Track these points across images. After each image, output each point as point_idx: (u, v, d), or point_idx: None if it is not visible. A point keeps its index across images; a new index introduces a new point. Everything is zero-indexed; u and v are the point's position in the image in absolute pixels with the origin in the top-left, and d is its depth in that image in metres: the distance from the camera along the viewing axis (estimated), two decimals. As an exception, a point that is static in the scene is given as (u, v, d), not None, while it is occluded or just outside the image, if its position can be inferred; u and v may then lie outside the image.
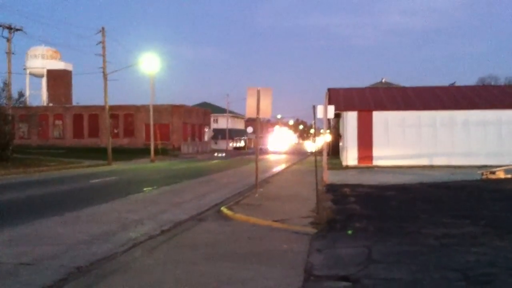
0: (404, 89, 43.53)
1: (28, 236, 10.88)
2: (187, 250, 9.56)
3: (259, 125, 19.46)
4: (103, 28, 43.68)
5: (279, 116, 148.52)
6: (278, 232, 11.46)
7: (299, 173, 29.42)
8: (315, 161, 14.83)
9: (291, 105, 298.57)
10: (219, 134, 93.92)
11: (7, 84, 38.54)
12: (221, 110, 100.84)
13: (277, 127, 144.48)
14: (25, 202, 17.07)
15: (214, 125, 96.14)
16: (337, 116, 36.90)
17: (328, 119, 24.58)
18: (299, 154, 70.75)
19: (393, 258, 8.64)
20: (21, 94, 42.42)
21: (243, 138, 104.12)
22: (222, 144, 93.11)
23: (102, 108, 51.04)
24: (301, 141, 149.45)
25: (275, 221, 12.41)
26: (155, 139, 52.00)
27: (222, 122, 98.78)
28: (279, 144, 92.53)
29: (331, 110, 22.22)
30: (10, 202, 16.99)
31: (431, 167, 32.21)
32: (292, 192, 19.12)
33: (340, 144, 43.42)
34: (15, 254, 9.03)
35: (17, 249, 9.48)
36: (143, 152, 53.22)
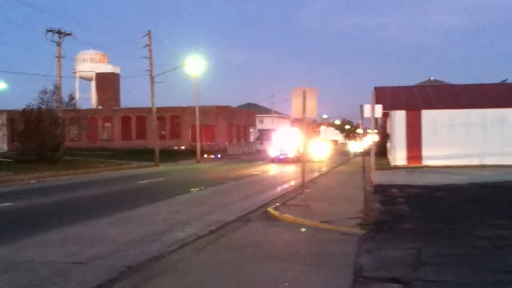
0: (452, 87, 42.53)
1: (79, 236, 11.13)
2: (234, 251, 9.59)
3: (305, 125, 19.34)
4: (149, 32, 44.38)
5: (325, 116, 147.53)
6: (325, 233, 11.36)
7: (346, 174, 29.12)
8: (363, 161, 14.65)
9: (337, 105, 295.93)
10: (265, 134, 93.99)
11: (57, 88, 39.63)
12: (266, 111, 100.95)
13: (323, 127, 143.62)
14: (75, 203, 17.48)
15: (259, 126, 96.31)
16: (385, 115, 36.39)
17: (375, 119, 24.27)
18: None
19: (443, 260, 8.46)
20: (71, 97, 43.60)
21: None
22: (267, 145, 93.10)
23: (149, 110, 51.83)
24: (346, 141, 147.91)
25: (322, 222, 12.32)
26: (201, 140, 52.47)
27: (268, 123, 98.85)
28: (287, 146, 49.12)
29: (379, 109, 21.92)
30: (61, 203, 17.42)
31: (482, 166, 31.36)
32: (339, 192, 18.95)
33: (388, 144, 42.83)
34: (68, 254, 9.24)
35: (69, 249, 9.70)
36: (189, 153, 53.81)
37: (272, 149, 45.15)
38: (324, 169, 36.07)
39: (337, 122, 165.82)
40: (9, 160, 37.85)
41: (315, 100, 17.79)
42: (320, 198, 17.13)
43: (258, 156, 57.77)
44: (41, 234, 11.19)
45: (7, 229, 12.11)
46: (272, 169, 35.76)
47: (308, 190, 18.97)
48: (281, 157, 42.94)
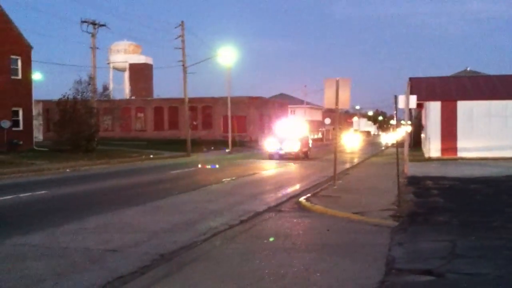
0: (489, 77, 41.62)
1: (113, 224, 11.28)
2: (266, 241, 9.59)
3: (338, 116, 19.23)
4: (182, 22, 44.60)
5: (357, 107, 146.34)
6: (357, 224, 11.29)
7: (379, 166, 28.87)
8: (396, 153, 14.47)
9: (371, 95, 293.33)
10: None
11: (92, 78, 40.16)
12: (298, 102, 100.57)
13: (355, 118, 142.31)
14: (109, 192, 17.71)
15: (291, 117, 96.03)
16: (419, 106, 35.86)
17: (410, 110, 23.94)
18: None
19: (477, 253, 8.31)
20: (105, 88, 44.13)
21: (320, 129, 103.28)
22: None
23: (181, 100, 52.17)
24: (379, 132, 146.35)
25: (354, 213, 12.24)
26: (232, 131, 52.62)
27: (299, 114, 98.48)
28: (289, 139, 36.48)
29: (413, 100, 21.62)
30: (95, 192, 17.68)
31: (519, 159, 30.68)
32: (372, 184, 18.79)
33: (422, 135, 42.21)
34: (102, 241, 9.38)
35: (103, 236, 9.85)
36: (220, 143, 54.00)
37: (270, 142, 36.55)
38: (356, 160, 35.83)
39: (370, 113, 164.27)
40: (45, 149, 38.58)
41: (348, 90, 17.71)
42: (352, 189, 17.01)
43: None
44: (75, 222, 11.38)
45: (43, 216, 12.34)
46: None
47: (340, 181, 18.87)
48: (281, 152, 35.19)
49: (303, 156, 36.07)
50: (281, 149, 35.05)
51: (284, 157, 34.75)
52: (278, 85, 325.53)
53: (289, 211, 13.22)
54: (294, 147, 34.85)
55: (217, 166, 28.74)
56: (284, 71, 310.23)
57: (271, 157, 35.29)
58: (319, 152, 45.29)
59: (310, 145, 39.82)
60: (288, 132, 36.47)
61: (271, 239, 9.65)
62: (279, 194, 16.63)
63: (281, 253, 8.58)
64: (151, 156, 38.52)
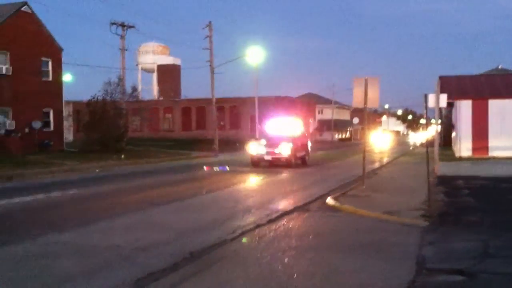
0: (522, 75, 40.83)
1: (143, 223, 11.39)
2: (294, 240, 9.58)
3: (366, 115, 19.07)
4: (210, 23, 44.78)
5: (386, 106, 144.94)
6: (387, 224, 11.18)
7: (408, 165, 28.56)
8: (426, 152, 14.28)
9: (400, 94, 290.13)
10: (324, 125, 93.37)
11: (121, 79, 40.63)
12: (326, 101, 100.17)
13: (384, 117, 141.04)
14: (137, 190, 17.85)
15: (319, 116, 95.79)
16: (449, 105, 35.36)
17: (440, 109, 23.63)
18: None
19: (510, 253, 8.17)
20: (134, 89, 44.58)
21: (348, 129, 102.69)
22: (327, 136, 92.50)
23: (209, 101, 52.39)
24: (409, 131, 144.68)
25: (384, 213, 12.12)
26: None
27: (327, 113, 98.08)
28: (279, 141, 28.51)
29: (443, 99, 21.34)
30: (124, 190, 17.84)
31: (553, 158, 30.01)
32: (401, 183, 18.60)
33: (453, 134, 41.63)
34: (132, 240, 9.46)
35: (133, 235, 9.93)
36: (248, 143, 53.97)
37: (254, 145, 29.07)
38: (385, 160, 35.53)
39: (399, 112, 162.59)
40: (75, 149, 39.15)
41: (377, 89, 17.57)
42: (381, 189, 16.86)
43: (317, 147, 57.26)
44: (106, 220, 11.51)
45: (74, 215, 12.52)
46: (335, 159, 35.31)
47: (368, 180, 18.72)
48: (267, 157, 27.81)
49: (297, 162, 28.96)
50: (267, 153, 27.84)
51: (272, 163, 27.78)
52: (306, 84, 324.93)
53: (318, 210, 13.15)
54: (285, 150, 27.52)
55: (227, 168, 27.01)
56: (312, 70, 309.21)
57: (255, 163, 28.30)
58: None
59: (309, 148, 32.15)
60: (278, 132, 29.69)
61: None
62: (308, 193, 16.49)
63: (309, 252, 8.55)
64: (179, 156, 38.77)
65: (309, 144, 32.23)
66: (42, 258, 8.19)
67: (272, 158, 27.71)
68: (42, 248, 8.91)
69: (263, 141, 28.96)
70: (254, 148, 28.74)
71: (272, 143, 28.12)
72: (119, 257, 8.25)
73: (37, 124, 37.27)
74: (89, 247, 8.94)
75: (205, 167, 24.50)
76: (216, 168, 23.97)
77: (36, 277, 7.14)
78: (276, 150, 27.62)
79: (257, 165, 28.16)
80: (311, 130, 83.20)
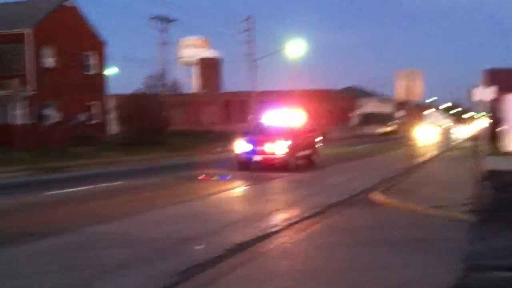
0: None
1: (188, 214, 11.53)
2: (338, 234, 9.49)
3: (409, 108, 18.72)
4: (250, 16, 44.85)
5: (431, 100, 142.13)
6: (433, 219, 10.94)
7: (454, 159, 27.90)
8: (474, 146, 13.90)
9: (444, 88, 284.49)
10: (366, 118, 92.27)
11: (162, 73, 41.11)
12: (368, 94, 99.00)
13: (428, 111, 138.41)
14: (182, 182, 17.92)
15: (360, 110, 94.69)
16: (496, 98, 34.43)
17: (486, 102, 23.03)
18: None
19: None
20: (175, 82, 45.09)
21: (391, 122, 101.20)
22: (368, 130, 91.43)
23: (249, 94, 52.45)
24: (454, 125, 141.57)
25: (430, 207, 11.84)
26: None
27: (369, 107, 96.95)
28: (272, 138, 22.00)
29: (490, 92, 20.78)
30: (167, 182, 17.94)
31: None
32: (447, 178, 18.16)
33: (500, 128, 40.55)
34: (178, 230, 9.58)
35: (179, 225, 10.06)
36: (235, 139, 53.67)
37: (242, 143, 22.41)
38: (430, 154, 34.83)
39: (444, 105, 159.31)
40: (118, 142, 39.74)
41: (420, 82, 17.35)
42: (427, 183, 16.49)
43: (359, 141, 56.75)
44: (152, 211, 11.67)
45: (119, 205, 12.71)
46: (378, 153, 34.82)
47: (414, 175, 18.38)
48: (256, 158, 21.77)
49: (299, 164, 22.53)
50: (257, 152, 21.72)
51: (265, 165, 21.78)
52: (347, 77, 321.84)
53: (362, 204, 12.96)
54: (279, 148, 21.39)
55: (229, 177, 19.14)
56: (354, 63, 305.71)
57: (242, 166, 21.89)
58: (390, 146, 44.07)
59: (317, 145, 25.32)
60: (275, 126, 23.26)
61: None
62: (352, 187, 16.22)
63: (353, 246, 8.46)
64: (219, 148, 38.90)
65: (320, 140, 25.72)
66: (90, 248, 8.34)
67: (263, 158, 21.68)
68: (90, 238, 9.08)
69: (253, 137, 22.51)
70: (241, 146, 22.20)
71: (263, 139, 21.88)
72: (166, 247, 8.32)
73: (82, 117, 38.03)
74: (136, 237, 9.07)
75: (201, 176, 18.68)
76: (215, 177, 18.47)
77: (84, 266, 7.23)
78: (268, 149, 21.47)
79: (246, 167, 21.65)
80: (352, 123, 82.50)
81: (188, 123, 67.94)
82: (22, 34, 35.37)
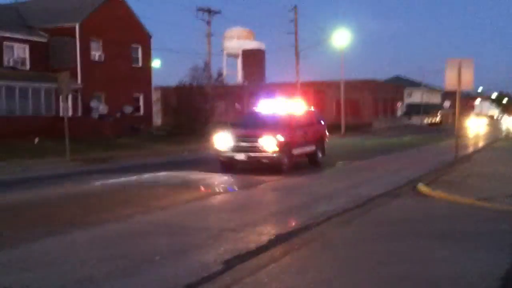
0: None
1: (233, 203, 11.73)
2: (382, 226, 9.34)
3: (459, 98, 18.29)
4: (295, 7, 44.52)
5: (480, 89, 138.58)
6: (481, 210, 10.68)
7: (504, 150, 27.10)
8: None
9: (494, 77, 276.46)
10: (413, 109, 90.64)
11: (207, 65, 41.30)
12: (415, 84, 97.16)
13: (477, 101, 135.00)
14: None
15: (407, 100, 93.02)
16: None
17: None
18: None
19: None
20: (219, 74, 45.20)
21: (438, 113, 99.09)
22: (415, 120, 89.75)
23: (293, 85, 52.23)
24: (504, 115, 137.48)
25: (478, 199, 11.55)
26: (345, 115, 51.95)
27: (416, 97, 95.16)
28: (260, 132, 17.45)
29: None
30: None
31: None
32: (496, 169, 17.65)
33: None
34: (221, 220, 9.70)
35: (222, 215, 10.22)
36: (333, 127, 53.44)
37: (223, 138, 18.11)
38: (479, 145, 34.01)
39: (493, 95, 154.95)
40: (163, 133, 40.29)
41: (471, 71, 16.97)
42: (475, 174, 16.09)
43: (406, 132, 55.80)
44: (195, 202, 11.74)
45: (163, 195, 12.85)
46: (424, 144, 34.19)
47: (461, 166, 17.98)
48: (239, 156, 17.49)
49: (296, 163, 18.70)
50: (240, 149, 17.42)
51: (251, 165, 17.84)
52: (393, 67, 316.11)
53: (407, 196, 12.75)
54: (268, 144, 17.03)
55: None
56: (400, 53, 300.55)
57: (225, 166, 17.91)
58: (436, 136, 43.17)
59: (323, 141, 20.99)
60: (267, 117, 19.24)
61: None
62: (396, 178, 16.00)
63: (397, 239, 8.33)
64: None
65: (326, 134, 21.67)
66: (136, 236, 8.48)
67: (248, 157, 17.30)
68: (135, 228, 9.22)
69: (238, 131, 18.57)
70: (222, 141, 17.83)
71: (249, 133, 17.77)
72: (209, 237, 8.38)
73: (128, 109, 38.69)
74: (179, 227, 9.16)
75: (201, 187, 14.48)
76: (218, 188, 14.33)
77: (130, 254, 7.36)
78: (255, 145, 17.16)
79: (229, 168, 17.73)
80: (398, 114, 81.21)
81: (232, 114, 68.15)
82: (72, 28, 36.18)
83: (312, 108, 22.23)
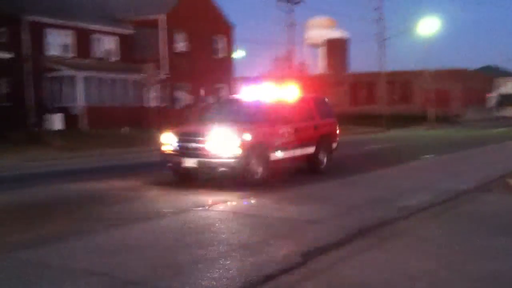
0: None
1: (313, 196, 11.45)
2: (469, 221, 8.90)
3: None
4: (380, -6, 43.35)
5: None
6: None
7: None
8: None
9: None
10: (505, 100, 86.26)
11: (290, 55, 41.14)
12: (507, 74, 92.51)
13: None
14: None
15: (499, 90, 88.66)
16: None
17: None
18: None
19: None
20: (301, 64, 44.96)
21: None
22: (508, 111, 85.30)
23: (378, 74, 51.08)
24: None
25: None
26: (433, 106, 50.29)
27: (509, 87, 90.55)
28: (221, 127, 12.38)
29: None
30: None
31: None
32: None
33: None
34: (302, 212, 9.54)
35: (303, 207, 9.99)
36: (420, 119, 51.79)
37: (169, 137, 12.71)
38: None
39: None
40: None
41: None
42: None
43: (497, 124, 53.21)
44: (274, 192, 11.59)
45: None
46: None
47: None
48: (188, 162, 12.15)
49: (297, 166, 15.06)
50: (189, 153, 12.23)
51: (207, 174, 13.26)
52: (485, 56, 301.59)
53: (498, 191, 12.00)
54: (225, 145, 11.87)
55: None
56: (492, 41, 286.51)
57: (176, 173, 13.15)
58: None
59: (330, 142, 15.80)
60: (240, 106, 14.54)
61: None
62: (485, 173, 15.17)
63: (484, 235, 7.87)
64: (346, 131, 38.30)
65: (336, 133, 16.61)
66: (217, 226, 8.53)
67: (199, 164, 12.15)
68: (216, 217, 9.26)
69: (191, 127, 14.27)
70: (169, 141, 12.75)
71: (199, 129, 12.86)
72: (291, 228, 8.34)
73: (210, 100, 39.24)
74: (260, 217, 9.10)
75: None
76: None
77: (199, 242, 7.36)
78: (208, 147, 11.99)
79: (185, 176, 13.02)
80: (490, 104, 77.69)
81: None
82: (156, 20, 37.11)
83: (325, 98, 17.34)
